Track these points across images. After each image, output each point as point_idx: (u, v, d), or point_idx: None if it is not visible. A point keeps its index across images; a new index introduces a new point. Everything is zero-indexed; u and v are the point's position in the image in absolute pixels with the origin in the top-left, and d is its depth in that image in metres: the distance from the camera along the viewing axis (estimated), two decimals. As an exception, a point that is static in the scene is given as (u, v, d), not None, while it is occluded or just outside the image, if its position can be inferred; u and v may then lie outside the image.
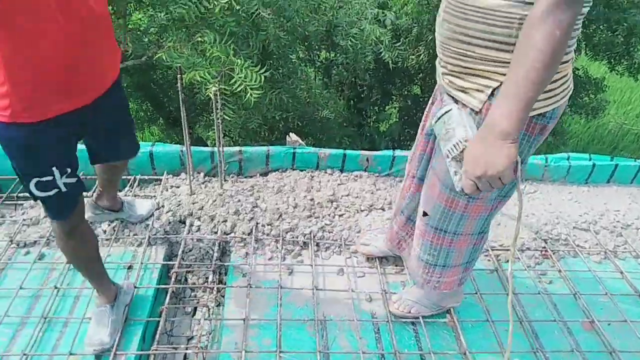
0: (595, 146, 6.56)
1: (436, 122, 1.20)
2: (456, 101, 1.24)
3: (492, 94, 1.14)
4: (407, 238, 1.74)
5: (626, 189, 2.48)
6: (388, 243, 1.82)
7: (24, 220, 1.93)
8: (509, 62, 1.09)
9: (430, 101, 1.47)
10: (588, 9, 1.07)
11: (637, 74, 5.15)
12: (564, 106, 1.20)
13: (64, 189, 1.28)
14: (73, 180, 1.30)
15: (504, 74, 1.10)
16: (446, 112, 1.17)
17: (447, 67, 1.23)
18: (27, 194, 2.03)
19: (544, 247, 2.05)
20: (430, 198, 1.40)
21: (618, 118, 7.19)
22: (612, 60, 5.15)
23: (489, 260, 1.99)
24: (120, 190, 2.16)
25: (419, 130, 1.51)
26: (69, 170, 1.28)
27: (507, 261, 2.00)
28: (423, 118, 1.51)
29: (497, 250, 2.03)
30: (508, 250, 2.03)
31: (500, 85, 1.11)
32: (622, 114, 7.44)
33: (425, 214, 1.43)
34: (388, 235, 1.80)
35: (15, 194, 2.05)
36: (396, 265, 1.92)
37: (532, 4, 1.01)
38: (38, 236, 1.87)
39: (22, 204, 2.03)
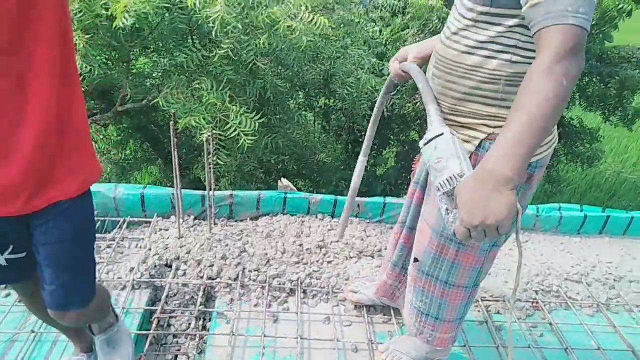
0: (592, 194, 6.55)
1: (425, 144, 1.13)
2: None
3: (479, 145, 1.18)
4: (401, 287, 1.72)
5: (618, 241, 2.46)
6: (380, 294, 1.79)
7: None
8: (495, 116, 1.16)
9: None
10: None
11: (630, 124, 5.24)
12: (549, 157, 1.23)
13: (4, 264, 1.10)
14: (20, 255, 1.10)
15: (490, 126, 1.16)
16: (437, 136, 1.11)
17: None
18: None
19: (535, 299, 2.02)
20: (420, 244, 1.40)
21: (615, 166, 7.23)
22: (605, 111, 5.25)
23: (478, 311, 1.95)
24: (109, 232, 2.17)
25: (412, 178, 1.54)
26: (11, 247, 1.08)
27: (498, 312, 1.97)
28: (413, 165, 1.53)
29: (487, 300, 1.99)
30: (498, 301, 1.99)
31: (487, 137, 1.16)
32: (619, 162, 7.49)
33: (416, 259, 1.42)
34: (380, 287, 1.77)
35: None
36: (384, 315, 1.89)
37: (519, 63, 1.09)
38: (22, 277, 1.85)
39: (9, 244, 2.02)
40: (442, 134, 1.10)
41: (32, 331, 1.62)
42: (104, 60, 2.78)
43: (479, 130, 1.18)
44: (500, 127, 1.15)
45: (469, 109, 1.18)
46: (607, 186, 6.94)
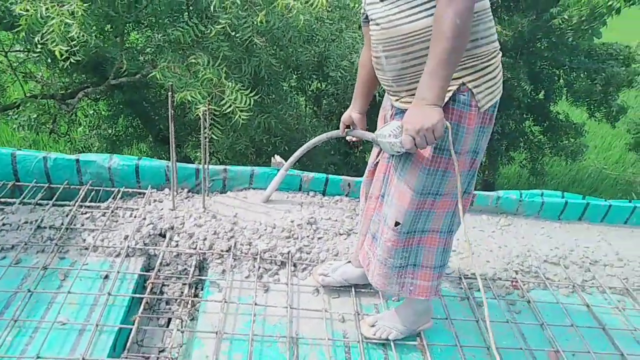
0: (574, 188, 6.71)
1: (379, 138, 1.44)
2: None
3: (453, 99, 1.30)
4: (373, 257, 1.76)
5: (596, 227, 2.56)
6: (357, 263, 1.83)
7: (3, 225, 1.94)
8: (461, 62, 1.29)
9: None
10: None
11: (614, 121, 5.37)
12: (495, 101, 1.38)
13: None
14: None
15: (457, 77, 1.29)
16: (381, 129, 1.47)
17: (405, 93, 1.39)
18: (9, 199, 2.05)
19: (515, 278, 2.11)
20: (400, 207, 1.47)
21: (598, 162, 7.39)
22: (591, 107, 5.37)
23: (461, 287, 2.04)
24: (103, 201, 2.19)
25: (373, 157, 1.68)
26: None
27: (479, 290, 2.05)
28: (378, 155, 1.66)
29: (469, 278, 2.08)
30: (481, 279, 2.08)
31: (458, 88, 1.30)
32: (602, 159, 7.65)
33: (397, 223, 1.49)
34: (360, 257, 1.81)
35: (-2, 199, 2.07)
36: (370, 289, 1.95)
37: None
38: (17, 241, 1.87)
39: (3, 209, 2.04)
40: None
41: (29, 291, 1.65)
42: (99, 31, 2.78)
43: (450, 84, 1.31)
44: (468, 74, 1.30)
45: None
46: (589, 182, 7.11)
